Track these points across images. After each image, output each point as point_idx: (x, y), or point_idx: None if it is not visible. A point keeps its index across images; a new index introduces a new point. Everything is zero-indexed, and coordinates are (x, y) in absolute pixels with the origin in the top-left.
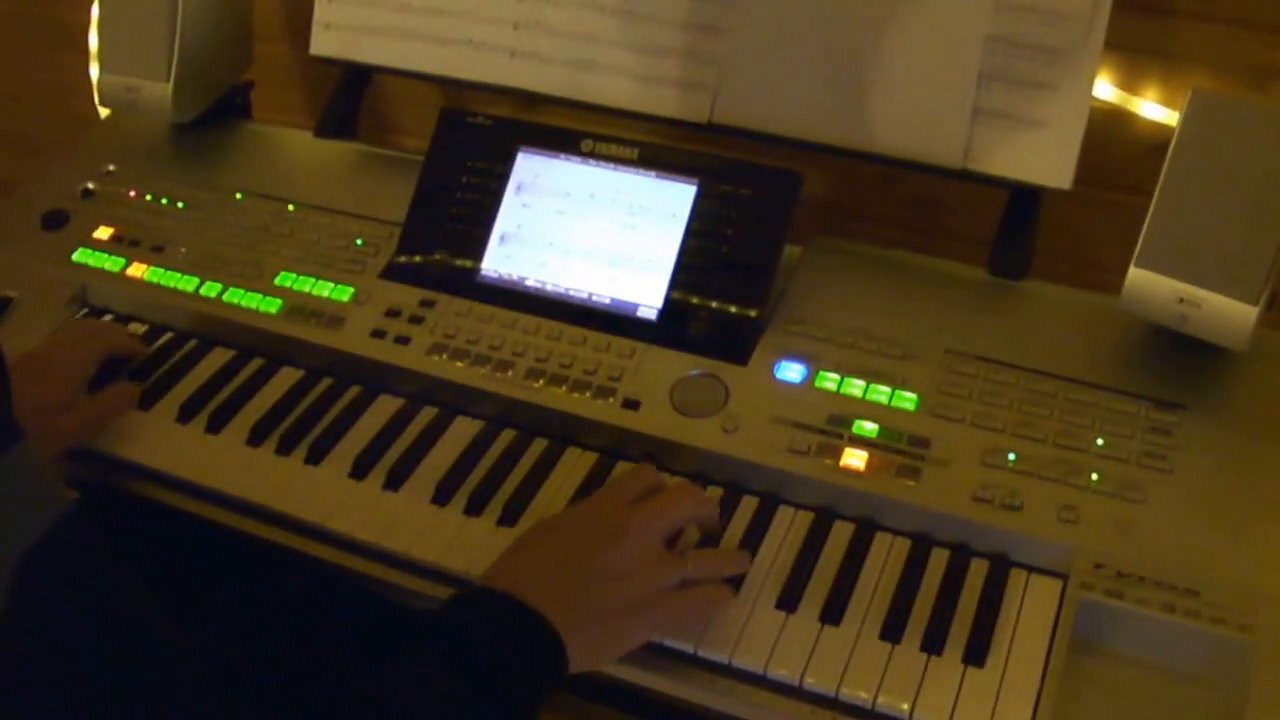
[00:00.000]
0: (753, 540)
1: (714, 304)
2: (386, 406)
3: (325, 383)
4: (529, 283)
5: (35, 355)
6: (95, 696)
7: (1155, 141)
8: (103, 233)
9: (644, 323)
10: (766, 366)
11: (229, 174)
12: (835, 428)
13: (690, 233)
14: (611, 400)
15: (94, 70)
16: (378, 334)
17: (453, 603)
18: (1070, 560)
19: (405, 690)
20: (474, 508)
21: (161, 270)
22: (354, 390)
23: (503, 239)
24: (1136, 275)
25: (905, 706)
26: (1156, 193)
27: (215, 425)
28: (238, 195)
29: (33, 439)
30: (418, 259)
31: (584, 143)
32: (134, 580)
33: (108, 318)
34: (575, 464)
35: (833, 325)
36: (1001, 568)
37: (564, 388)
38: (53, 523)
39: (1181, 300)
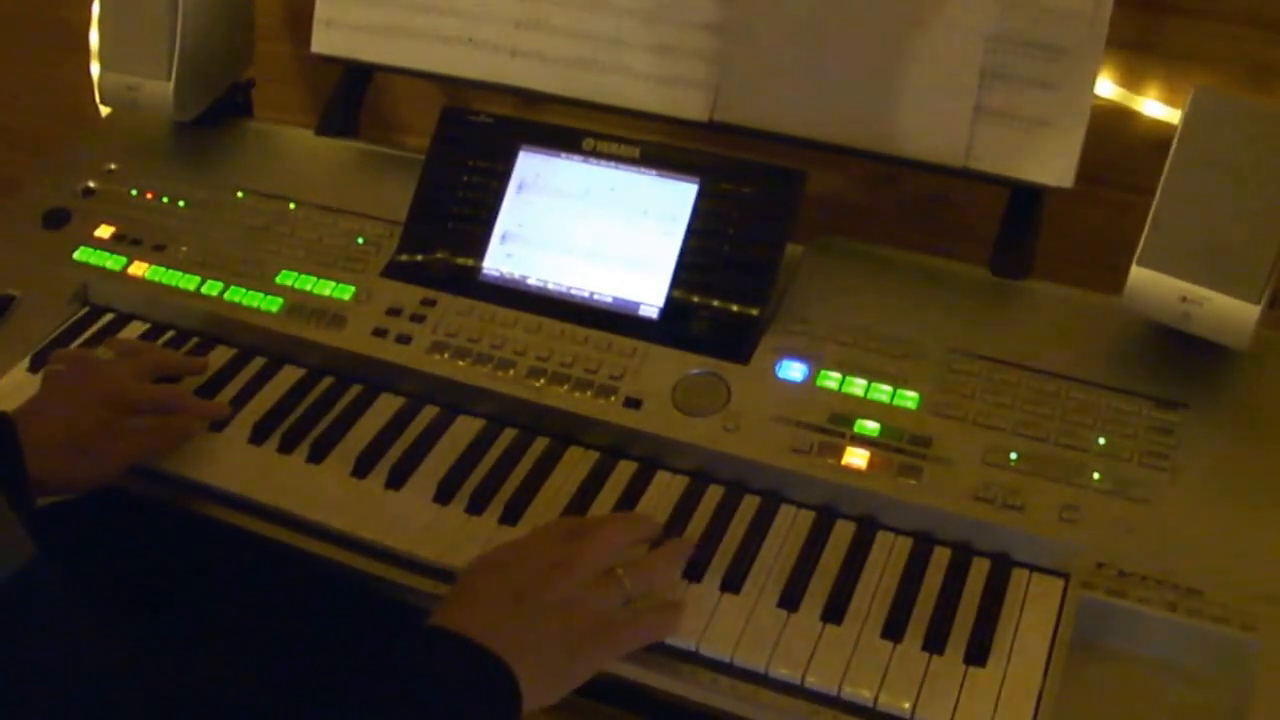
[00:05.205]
0: (754, 539)
1: (716, 303)
2: (388, 405)
3: (327, 381)
4: (530, 281)
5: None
6: None
7: (1157, 140)
8: (104, 231)
9: (645, 321)
10: (768, 365)
11: (230, 172)
12: (837, 426)
13: (692, 231)
14: (613, 399)
15: (95, 69)
16: (379, 333)
17: (400, 644)
18: (1072, 559)
19: None
20: (476, 506)
21: (163, 269)
22: (355, 389)
23: (504, 238)
24: (1138, 274)
25: (907, 705)
26: (1158, 191)
27: (217, 424)
28: (239, 194)
29: (98, 441)
30: (419, 258)
31: (585, 141)
32: (98, 629)
33: (108, 317)
34: (577, 463)
35: (834, 324)
36: (1003, 567)
37: (565, 387)
38: (12, 574)
39: (1183, 299)
